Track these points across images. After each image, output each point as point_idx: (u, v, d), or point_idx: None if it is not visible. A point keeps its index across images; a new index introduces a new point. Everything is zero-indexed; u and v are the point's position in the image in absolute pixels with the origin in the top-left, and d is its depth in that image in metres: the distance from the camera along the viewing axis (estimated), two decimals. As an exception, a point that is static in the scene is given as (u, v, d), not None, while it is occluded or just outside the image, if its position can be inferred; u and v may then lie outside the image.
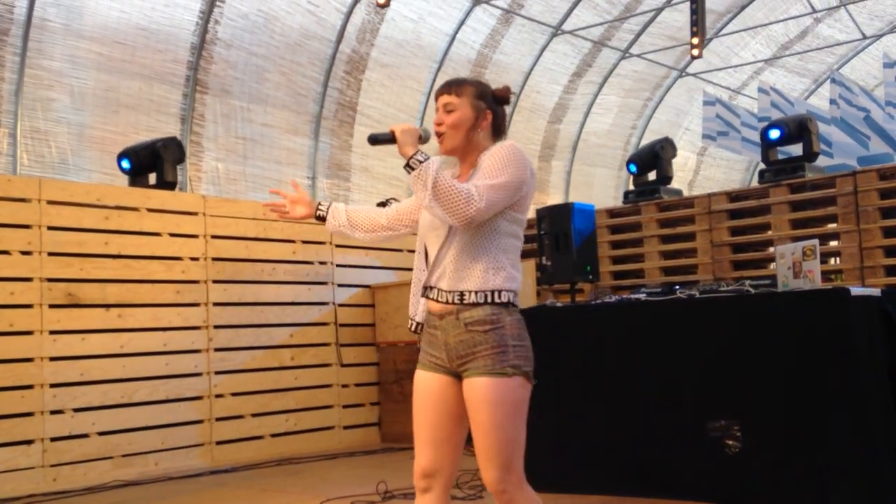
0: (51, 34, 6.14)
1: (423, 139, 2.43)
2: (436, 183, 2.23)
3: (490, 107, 2.46)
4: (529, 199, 2.41)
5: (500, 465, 2.30)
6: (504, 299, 2.32)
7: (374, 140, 2.47)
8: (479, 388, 2.30)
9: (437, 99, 2.49)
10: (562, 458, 4.47)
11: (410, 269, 7.38)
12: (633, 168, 7.62)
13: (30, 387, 5.11)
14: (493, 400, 2.29)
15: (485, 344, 2.32)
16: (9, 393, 5.03)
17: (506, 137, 2.52)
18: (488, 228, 2.34)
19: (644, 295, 4.62)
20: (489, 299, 2.32)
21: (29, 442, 5.07)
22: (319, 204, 2.74)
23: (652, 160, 7.55)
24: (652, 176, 7.66)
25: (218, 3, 6.92)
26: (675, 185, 7.81)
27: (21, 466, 5.01)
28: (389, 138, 2.40)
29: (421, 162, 2.26)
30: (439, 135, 2.46)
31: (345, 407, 6.83)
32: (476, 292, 2.32)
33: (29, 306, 5.17)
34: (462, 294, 2.33)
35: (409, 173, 2.28)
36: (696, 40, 8.86)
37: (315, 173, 7.86)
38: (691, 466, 4.06)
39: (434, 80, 8.73)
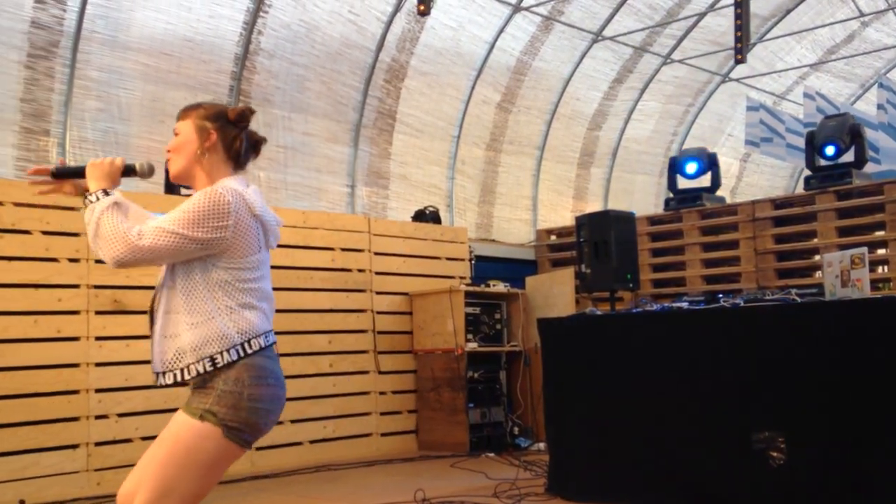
0: (99, 46, 6.28)
1: (137, 173, 2.34)
2: (99, 221, 2.13)
3: (218, 126, 2.31)
4: (254, 239, 2.22)
5: (142, 499, 2.11)
6: (225, 360, 2.16)
7: (59, 173, 2.33)
8: (174, 417, 2.20)
9: None
10: (602, 467, 4.43)
11: (450, 277, 7.43)
12: (695, 168, 7.48)
13: (76, 392, 5.22)
14: (172, 431, 2.16)
15: (198, 383, 2.19)
16: (56, 398, 5.14)
17: (241, 165, 2.37)
18: (207, 281, 2.18)
19: (686, 303, 4.56)
20: (209, 368, 2.16)
21: (74, 446, 5.17)
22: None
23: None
24: (706, 181, 7.57)
25: (261, 13, 7.01)
26: (717, 192, 7.71)
27: (66, 470, 5.11)
28: (78, 172, 2.30)
29: (93, 201, 2.17)
30: (168, 160, 2.35)
31: (382, 414, 6.85)
32: (192, 365, 2.16)
33: (76, 313, 5.28)
34: (186, 369, 2.18)
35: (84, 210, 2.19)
36: (739, 45, 8.73)
37: (354, 181, 7.91)
38: (734, 479, 3.98)
39: (473, 88, 8.74)
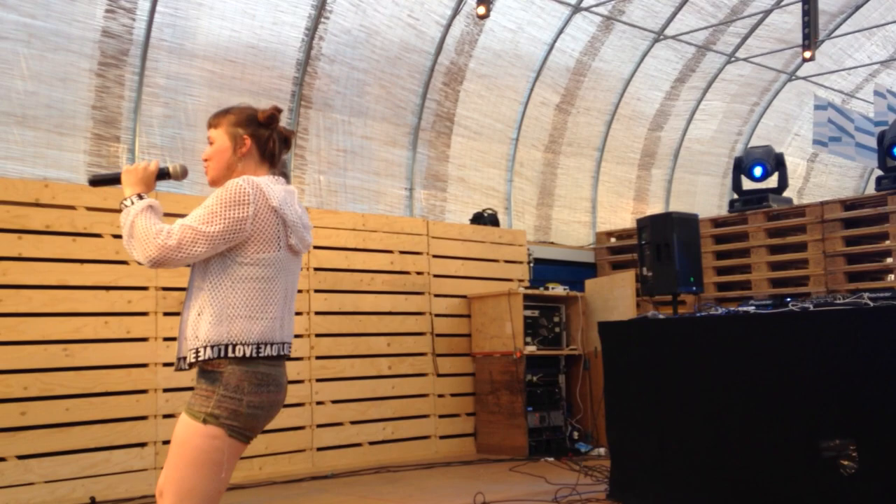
0: (166, 53, 6.45)
1: (171, 176, 2.41)
2: (133, 224, 2.22)
3: (251, 131, 2.37)
4: (271, 234, 2.25)
5: (165, 502, 2.22)
6: (238, 353, 2.20)
7: (96, 181, 2.44)
8: (179, 421, 2.26)
9: None
10: (664, 474, 4.35)
11: (508, 280, 7.41)
12: (760, 171, 7.31)
13: (144, 391, 5.36)
14: (179, 437, 2.23)
15: (199, 381, 2.25)
16: (125, 397, 5.29)
17: (276, 162, 2.42)
18: (222, 276, 2.24)
19: (753, 307, 4.44)
20: (222, 354, 2.21)
21: (142, 444, 5.31)
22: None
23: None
24: (772, 182, 7.39)
25: (323, 19, 7.11)
26: (783, 193, 7.51)
27: (135, 468, 5.26)
28: (114, 178, 2.39)
29: (128, 206, 2.26)
30: (205, 167, 2.42)
31: (441, 417, 6.86)
32: (208, 347, 2.22)
33: (145, 314, 5.43)
34: (196, 351, 2.24)
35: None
36: (807, 42, 8.50)
37: (412, 184, 7.95)
38: (803, 488, 3.86)
39: (532, 90, 8.70)
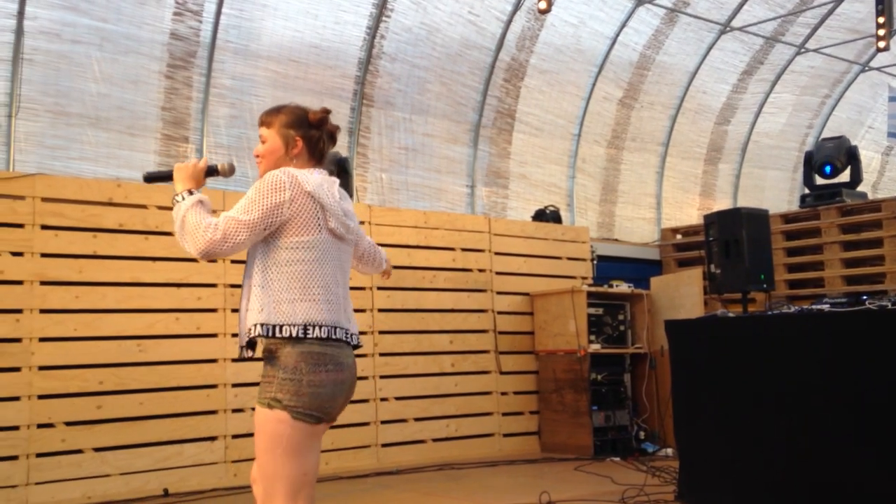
0: (232, 55, 6.57)
1: (219, 172, 2.50)
2: (184, 218, 2.32)
3: (302, 133, 2.47)
4: (309, 218, 2.35)
5: (261, 490, 2.34)
6: (285, 334, 2.30)
7: (151, 178, 2.54)
8: (255, 411, 2.37)
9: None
10: (736, 475, 4.24)
11: (571, 278, 7.33)
12: (828, 170, 7.11)
13: (214, 386, 5.47)
14: (256, 426, 2.34)
15: (263, 371, 2.36)
16: (196, 392, 5.41)
17: (323, 159, 2.52)
18: (267, 262, 2.36)
19: (828, 305, 4.29)
20: (270, 333, 2.31)
21: (213, 438, 5.42)
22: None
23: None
24: (845, 176, 7.16)
25: (384, 18, 7.15)
26: (857, 187, 7.26)
27: (206, 461, 5.37)
28: (167, 175, 2.48)
29: (179, 201, 2.36)
30: (258, 163, 2.52)
31: (504, 415, 6.83)
32: (257, 325, 2.33)
33: (213, 310, 5.54)
34: (248, 332, 2.36)
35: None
36: (881, 32, 8.21)
37: (474, 181, 7.93)
38: (880, 492, 3.72)
39: (594, 85, 8.59)
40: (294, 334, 2.29)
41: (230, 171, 2.54)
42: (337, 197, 2.44)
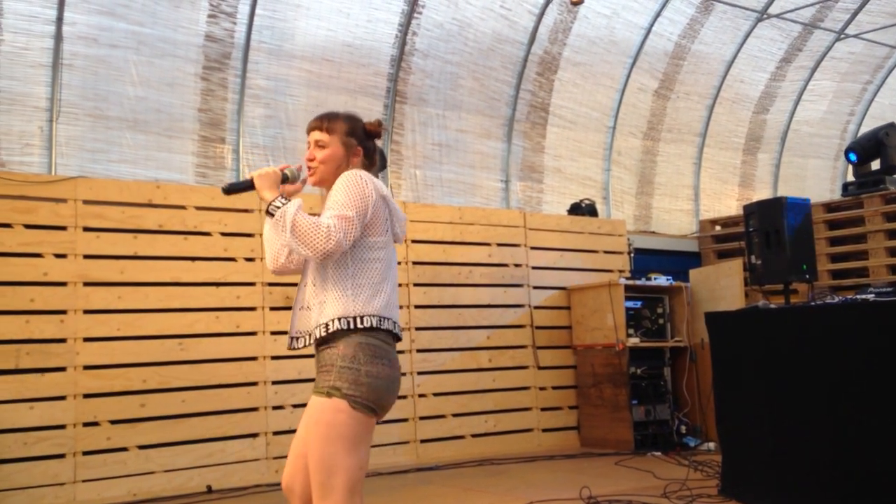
0: (266, 55, 6.62)
1: (289, 179, 2.51)
2: (294, 224, 2.31)
3: (361, 143, 2.56)
4: (383, 220, 2.43)
5: (316, 485, 2.30)
6: (343, 325, 2.33)
7: (231, 189, 2.51)
8: (308, 404, 2.37)
9: (308, 133, 2.55)
10: (779, 469, 4.17)
11: (608, 271, 7.27)
12: (853, 157, 6.99)
13: (254, 384, 5.53)
14: (312, 417, 2.33)
15: (319, 362, 2.38)
16: (237, 389, 5.47)
17: (374, 169, 2.59)
18: (346, 259, 2.39)
19: (873, 295, 4.20)
20: (349, 326, 2.34)
21: (254, 435, 5.48)
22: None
23: (875, 148, 6.89)
24: (875, 165, 7.01)
25: (415, 15, 7.15)
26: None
27: (248, 458, 5.43)
28: (248, 185, 2.46)
29: (279, 207, 2.34)
30: (311, 168, 2.53)
31: (543, 410, 6.80)
32: (335, 320, 2.35)
33: (252, 309, 5.60)
34: (325, 325, 2.37)
35: (270, 218, 2.36)
36: (925, 13, 7.99)
37: (508, 176, 7.90)
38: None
39: (628, 76, 8.50)
40: (373, 324, 2.35)
41: (299, 177, 2.58)
42: (396, 203, 2.56)
